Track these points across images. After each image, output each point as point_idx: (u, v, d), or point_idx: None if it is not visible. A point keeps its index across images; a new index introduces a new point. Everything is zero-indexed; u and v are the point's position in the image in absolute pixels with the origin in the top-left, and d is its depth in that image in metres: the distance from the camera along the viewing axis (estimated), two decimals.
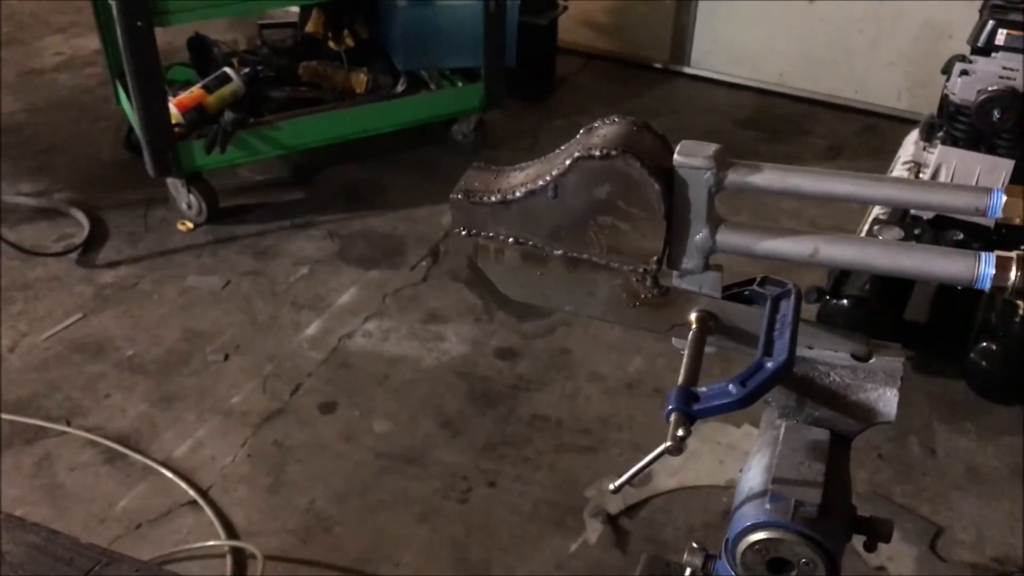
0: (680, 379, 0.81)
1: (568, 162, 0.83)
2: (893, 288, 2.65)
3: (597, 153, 0.82)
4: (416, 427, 2.60)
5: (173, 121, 3.22)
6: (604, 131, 0.85)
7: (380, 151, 3.82)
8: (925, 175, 2.65)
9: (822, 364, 0.89)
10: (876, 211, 2.85)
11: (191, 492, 2.37)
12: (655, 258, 0.85)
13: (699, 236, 0.84)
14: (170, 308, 3.02)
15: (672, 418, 0.78)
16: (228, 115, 3.31)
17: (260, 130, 3.37)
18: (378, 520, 2.33)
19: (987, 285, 0.76)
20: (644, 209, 0.83)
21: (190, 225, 3.39)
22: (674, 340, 0.89)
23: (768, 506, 0.85)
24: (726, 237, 0.84)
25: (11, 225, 3.35)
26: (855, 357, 0.89)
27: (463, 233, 0.92)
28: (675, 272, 0.88)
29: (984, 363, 2.53)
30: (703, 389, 0.79)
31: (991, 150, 2.56)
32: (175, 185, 3.37)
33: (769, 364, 0.79)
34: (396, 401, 2.68)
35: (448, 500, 2.39)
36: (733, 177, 0.82)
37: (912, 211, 2.69)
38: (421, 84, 3.72)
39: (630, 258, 0.86)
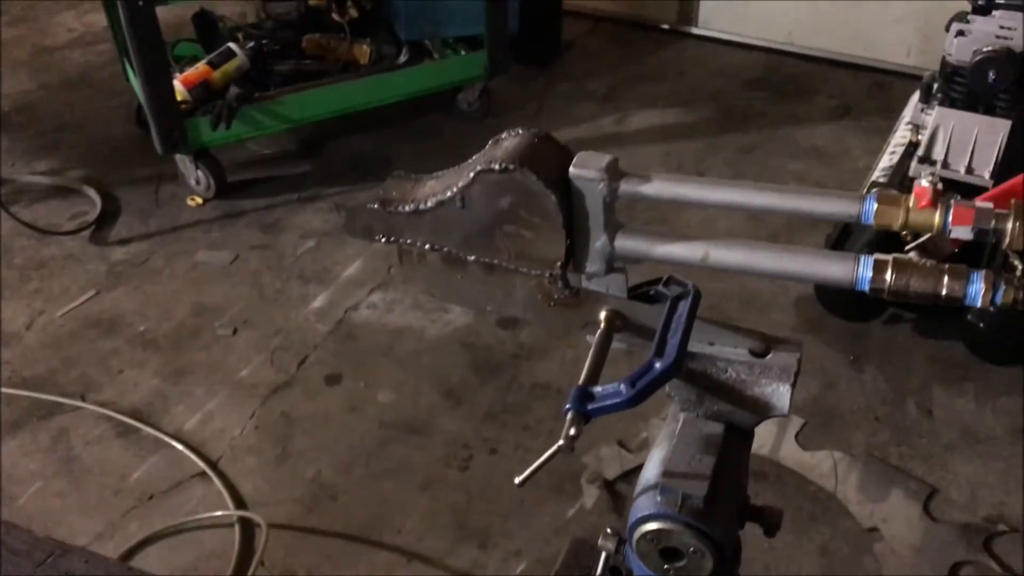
0: (581, 379, 0.85)
1: (471, 175, 0.88)
2: (892, 249, 2.64)
3: (497, 167, 0.87)
4: (419, 397, 2.66)
5: (179, 98, 3.27)
6: (508, 143, 0.89)
7: (386, 122, 3.85)
8: (923, 136, 2.64)
9: (721, 360, 0.94)
10: (876, 174, 2.84)
11: (201, 464, 2.45)
12: (559, 264, 0.89)
13: (599, 243, 0.89)
14: (180, 283, 3.09)
15: (568, 417, 0.83)
16: (233, 90, 3.36)
17: (265, 105, 3.41)
18: (382, 488, 2.40)
19: (866, 288, 0.80)
20: (544, 218, 0.88)
21: (199, 200, 3.45)
22: (587, 337, 0.93)
23: (659, 498, 0.92)
24: (624, 243, 0.89)
25: (26, 204, 3.42)
26: (753, 353, 0.93)
27: (383, 241, 0.96)
28: (583, 275, 0.92)
29: (982, 324, 2.54)
30: (599, 389, 0.84)
31: (989, 111, 2.54)
32: (183, 161, 3.42)
33: (658, 365, 0.84)
34: (400, 371, 2.74)
35: (450, 468, 2.45)
36: (625, 187, 0.86)
37: (910, 172, 2.68)
38: (424, 54, 3.74)
39: (536, 263, 0.90)
